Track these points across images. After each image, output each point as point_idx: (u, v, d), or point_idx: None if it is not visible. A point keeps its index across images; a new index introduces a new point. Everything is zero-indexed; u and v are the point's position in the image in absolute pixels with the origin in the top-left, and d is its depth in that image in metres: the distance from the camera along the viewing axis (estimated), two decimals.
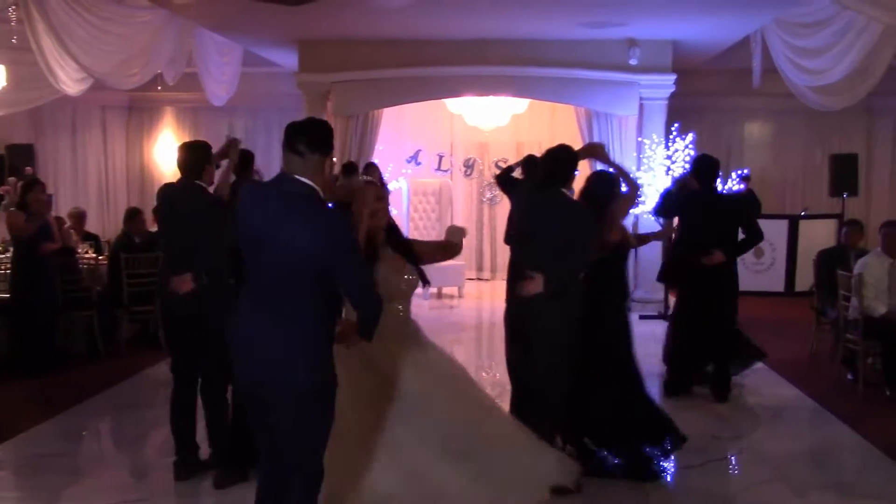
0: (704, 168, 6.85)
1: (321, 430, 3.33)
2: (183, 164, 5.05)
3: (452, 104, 12.15)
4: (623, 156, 10.87)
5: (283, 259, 3.23)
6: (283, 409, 3.26)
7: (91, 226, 10.95)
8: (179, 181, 5.11)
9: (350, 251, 3.29)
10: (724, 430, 6.16)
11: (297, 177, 3.27)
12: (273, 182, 3.36)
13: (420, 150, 13.42)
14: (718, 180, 7.01)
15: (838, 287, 7.34)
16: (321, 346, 3.28)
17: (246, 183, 4.99)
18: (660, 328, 10.16)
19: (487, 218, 13.53)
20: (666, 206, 7.36)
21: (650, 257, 10.98)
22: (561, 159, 5.08)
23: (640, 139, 10.85)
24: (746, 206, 7.23)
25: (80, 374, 7.68)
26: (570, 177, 5.09)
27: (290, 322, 3.24)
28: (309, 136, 3.35)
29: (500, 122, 12.26)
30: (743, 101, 13.37)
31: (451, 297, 12.16)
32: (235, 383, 3.97)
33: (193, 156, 5.05)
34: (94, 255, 8.90)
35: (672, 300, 10.63)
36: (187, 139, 13.83)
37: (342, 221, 3.34)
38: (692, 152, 10.45)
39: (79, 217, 9.59)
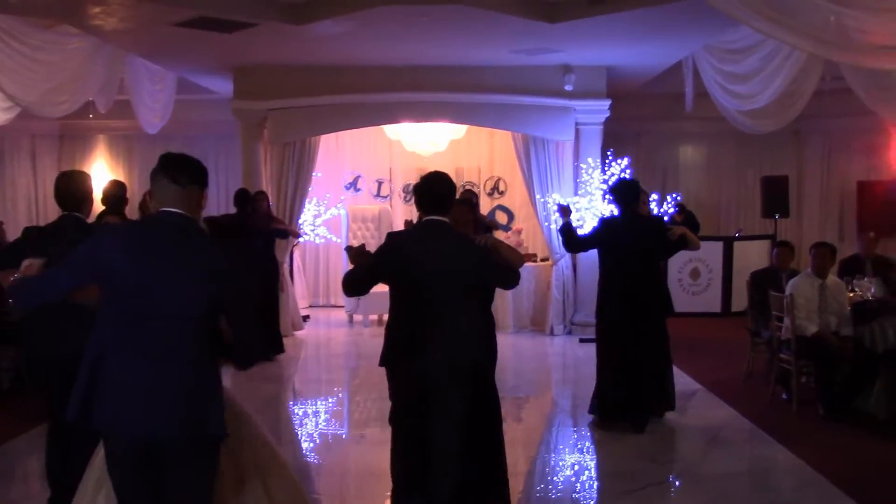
0: (620, 191, 6.77)
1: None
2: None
3: (390, 130, 12.15)
4: (561, 180, 10.98)
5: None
6: (186, 465, 3.20)
7: None
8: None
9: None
10: (661, 454, 6.20)
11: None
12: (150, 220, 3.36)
13: (359, 177, 13.38)
14: (638, 203, 6.86)
15: (771, 307, 7.47)
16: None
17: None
18: None
19: None
20: (573, 240, 6.97)
21: (589, 279, 11.06)
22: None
23: (576, 164, 10.96)
24: (663, 224, 7.09)
25: (4, 412, 7.39)
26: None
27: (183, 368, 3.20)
28: (193, 168, 3.47)
29: (438, 148, 12.27)
30: (676, 125, 13.65)
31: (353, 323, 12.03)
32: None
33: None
34: None
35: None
36: (121, 168, 13.81)
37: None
38: (627, 175, 10.59)
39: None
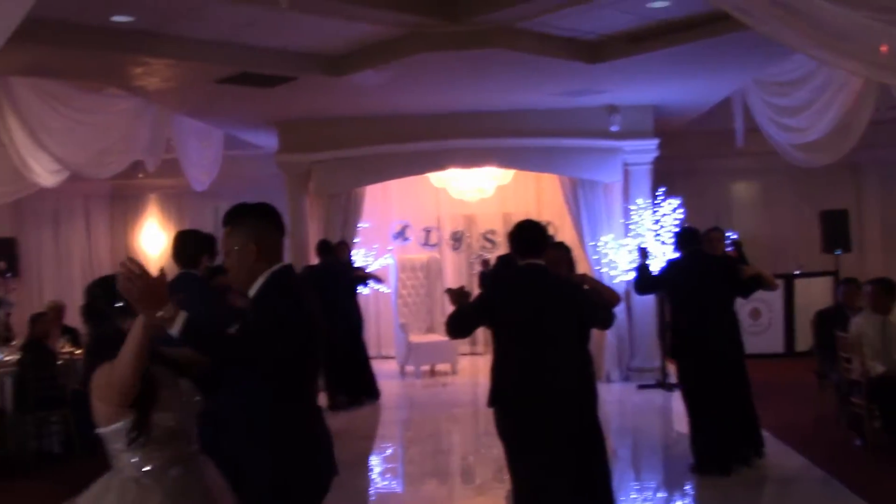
0: (680, 237, 6.75)
1: None
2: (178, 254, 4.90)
3: (436, 178, 12.08)
4: (610, 222, 10.75)
5: None
6: None
7: (76, 319, 10.68)
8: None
9: None
10: None
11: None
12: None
13: (407, 226, 13.30)
14: (696, 245, 6.64)
15: (838, 348, 7.11)
16: None
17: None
18: (658, 397, 9.92)
19: (477, 291, 13.30)
20: (646, 279, 6.96)
21: (646, 324, 10.77)
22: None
23: (626, 205, 10.72)
24: (733, 263, 6.91)
25: (53, 477, 7.34)
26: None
27: None
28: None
29: (485, 194, 12.17)
30: (728, 161, 13.34)
31: (445, 374, 11.87)
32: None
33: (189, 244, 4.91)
34: (71, 349, 8.64)
35: (672, 368, 10.40)
36: (172, 225, 13.97)
37: None
38: (680, 215, 10.31)
39: (58, 310, 9.34)
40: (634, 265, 7.61)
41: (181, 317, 2.77)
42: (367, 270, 10.99)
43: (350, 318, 9.86)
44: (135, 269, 2.72)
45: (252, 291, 3.05)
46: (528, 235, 4.61)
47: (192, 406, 3.04)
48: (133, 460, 2.92)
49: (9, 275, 11.08)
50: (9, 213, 12.80)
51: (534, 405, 4.33)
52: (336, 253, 9.88)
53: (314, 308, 3.10)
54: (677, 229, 7.11)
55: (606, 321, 4.83)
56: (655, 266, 8.76)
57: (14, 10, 3.71)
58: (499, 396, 4.50)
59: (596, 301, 4.75)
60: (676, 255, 6.88)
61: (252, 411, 2.98)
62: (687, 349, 6.46)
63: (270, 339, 2.88)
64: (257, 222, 3.08)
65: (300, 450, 3.00)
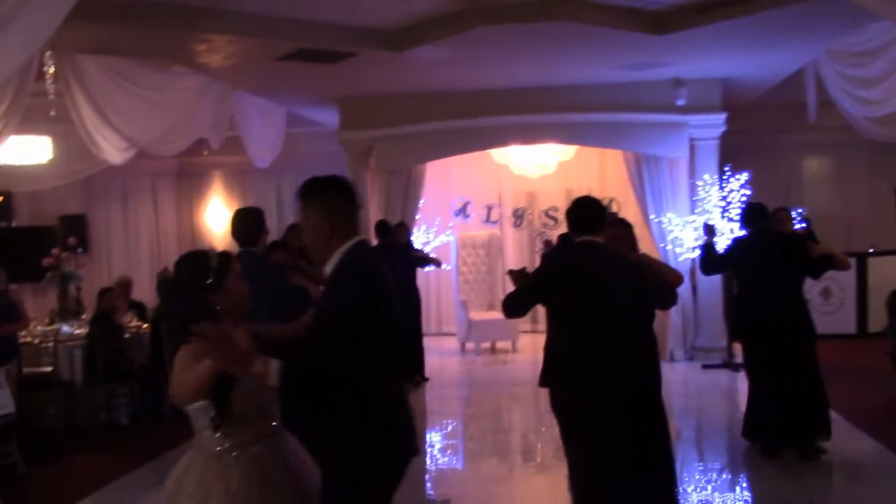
0: (748, 213, 6.51)
1: None
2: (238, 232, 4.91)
3: (498, 154, 11.97)
4: (676, 198, 10.52)
5: None
6: None
7: (144, 294, 10.93)
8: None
9: None
10: (797, 493, 5.66)
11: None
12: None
13: (468, 203, 13.24)
14: (763, 223, 6.40)
15: None
16: None
17: None
18: (724, 378, 9.71)
19: None
20: (712, 259, 6.71)
21: (711, 303, 10.54)
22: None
23: (692, 181, 10.47)
24: (802, 241, 6.58)
25: (122, 448, 7.52)
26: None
27: None
28: None
29: (547, 171, 12.02)
30: (799, 136, 12.91)
31: (506, 351, 11.82)
32: None
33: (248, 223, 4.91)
34: (138, 323, 8.81)
35: (738, 349, 10.17)
36: (236, 202, 14.15)
37: None
38: (748, 192, 10.03)
39: (125, 285, 9.53)
40: (700, 243, 7.30)
41: (274, 368, 2.74)
42: (427, 252, 10.94)
43: (409, 301, 9.78)
44: (217, 336, 2.73)
45: (328, 268, 3.01)
46: (584, 212, 4.51)
47: (273, 389, 3.04)
48: (216, 437, 2.97)
49: (79, 250, 11.33)
50: (79, 191, 13.09)
51: (590, 385, 4.23)
52: (395, 234, 9.82)
53: (390, 282, 3.04)
54: (744, 205, 6.83)
55: (668, 302, 4.69)
56: (721, 244, 8.55)
57: None
58: (554, 377, 4.41)
59: (656, 281, 4.60)
60: (743, 232, 6.66)
61: (335, 389, 2.94)
62: (753, 329, 6.29)
63: (354, 338, 2.83)
64: (331, 196, 3.04)
65: (383, 428, 2.96)
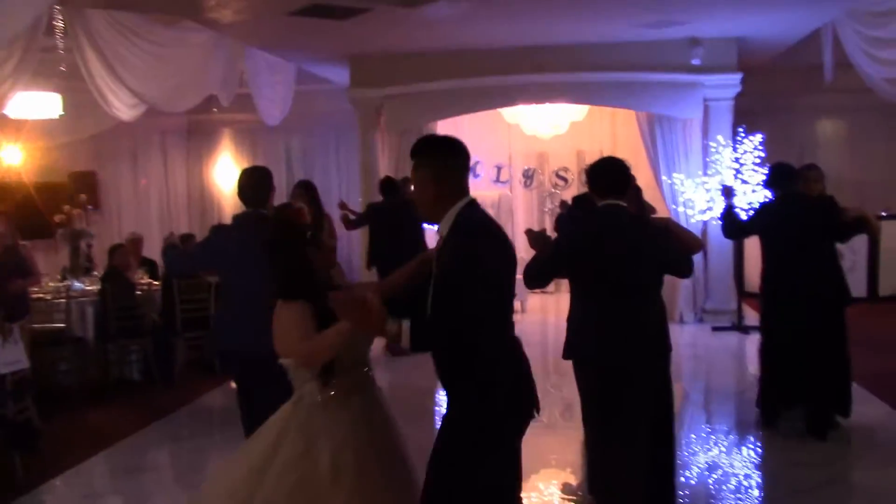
0: (775, 175, 6.13)
1: None
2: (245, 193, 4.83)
3: (509, 114, 11.87)
4: (688, 160, 10.43)
5: None
6: None
7: (154, 252, 10.93)
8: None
9: None
10: (810, 457, 5.66)
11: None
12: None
13: (478, 162, 13.16)
14: (793, 185, 6.01)
15: None
16: None
17: None
18: (733, 340, 9.71)
19: (549, 229, 13.15)
20: (735, 224, 6.42)
21: (721, 265, 10.50)
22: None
23: (705, 142, 10.38)
24: (833, 204, 6.12)
25: (134, 404, 7.58)
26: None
27: None
28: None
29: (558, 131, 11.93)
30: (814, 98, 12.76)
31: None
32: None
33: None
34: (149, 280, 8.83)
35: (749, 312, 10.15)
36: (246, 160, 14.10)
37: None
38: (762, 154, 9.94)
39: (135, 242, 9.55)
40: (720, 207, 6.99)
41: (406, 329, 2.77)
42: None
43: (414, 257, 9.63)
44: (354, 301, 2.79)
45: (442, 227, 3.02)
46: (611, 173, 4.29)
47: (370, 339, 3.23)
48: (319, 388, 3.07)
49: (90, 207, 11.33)
50: (89, 148, 13.06)
51: (619, 358, 4.12)
52: (400, 191, 9.70)
53: (505, 236, 3.07)
54: (770, 166, 6.45)
55: (686, 269, 4.46)
56: (739, 204, 8.40)
57: None
58: (579, 351, 4.27)
59: (677, 247, 4.40)
60: (768, 194, 6.34)
61: (462, 346, 2.93)
62: (778, 296, 6.02)
63: (477, 302, 2.84)
64: (439, 157, 3.05)
65: (507, 385, 2.98)
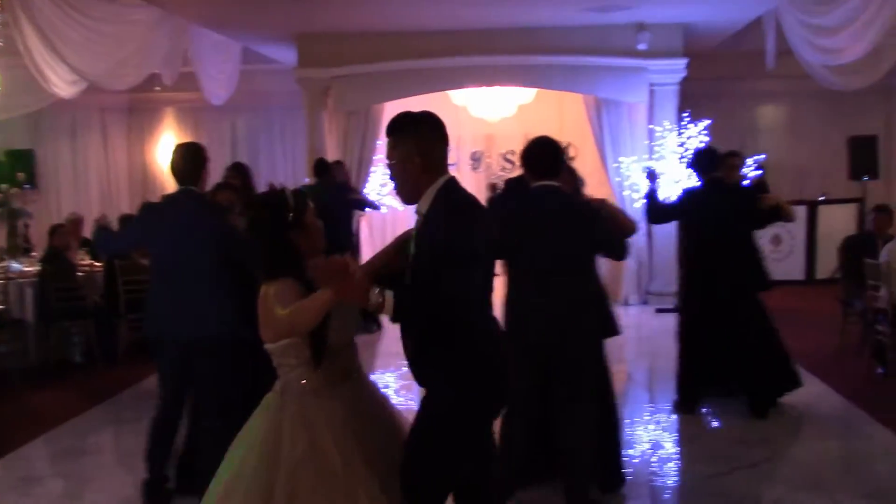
0: (699, 161, 6.24)
1: None
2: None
3: (457, 96, 11.85)
4: (634, 144, 10.56)
5: None
6: None
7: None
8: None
9: None
10: (749, 433, 5.83)
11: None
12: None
13: None
14: (717, 170, 6.16)
15: (865, 276, 7.00)
16: None
17: None
18: (676, 322, 9.87)
19: None
20: (656, 208, 6.42)
21: (666, 248, 10.67)
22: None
23: (650, 126, 10.51)
24: (752, 193, 6.45)
25: (76, 386, 7.44)
26: None
27: None
28: None
29: (506, 113, 11.95)
30: (757, 84, 13.02)
31: None
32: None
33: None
34: (90, 261, 8.66)
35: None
36: (190, 140, 13.83)
37: None
38: (706, 139, 10.12)
39: (75, 223, 9.34)
40: (644, 191, 6.93)
41: (390, 301, 2.71)
42: (365, 195, 10.77)
43: (346, 243, 9.40)
44: (336, 267, 2.70)
45: (422, 208, 2.93)
46: (543, 153, 4.27)
47: (357, 318, 3.10)
48: (307, 375, 2.94)
49: (27, 186, 11.04)
50: (27, 126, 12.71)
51: (546, 336, 4.11)
52: (332, 173, 9.57)
53: (486, 215, 3.02)
54: (695, 151, 6.59)
55: (621, 251, 4.46)
56: (665, 191, 8.50)
57: None
58: (511, 329, 4.11)
59: (611, 228, 4.40)
60: (694, 179, 6.45)
61: (442, 323, 2.87)
62: (697, 281, 6.16)
63: (461, 278, 2.78)
64: (421, 132, 2.94)
65: (486, 364, 2.93)
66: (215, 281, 4.53)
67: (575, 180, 4.97)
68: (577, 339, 4.19)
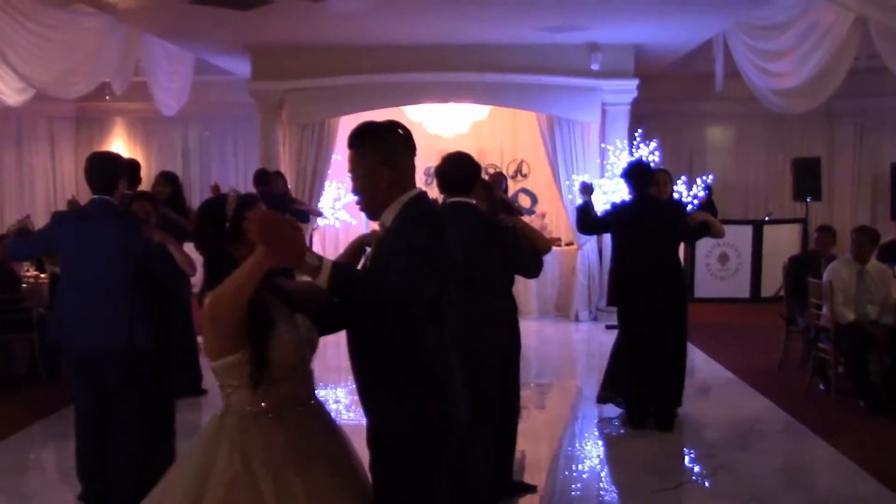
0: (630, 174, 6.37)
1: None
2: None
3: (412, 112, 11.88)
4: (586, 162, 10.70)
5: None
6: None
7: None
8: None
9: None
10: (694, 448, 5.95)
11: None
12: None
13: None
14: (650, 186, 6.32)
15: (808, 295, 7.18)
16: None
17: None
18: None
19: None
20: (588, 219, 6.62)
21: None
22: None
23: (603, 145, 10.67)
24: (680, 209, 6.67)
25: (19, 401, 7.26)
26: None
27: None
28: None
29: (460, 130, 12.01)
30: (705, 105, 13.30)
31: None
32: None
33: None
34: (36, 272, 8.48)
35: None
36: (139, 150, 13.68)
37: None
38: (656, 158, 10.30)
39: (21, 234, 9.11)
40: (578, 203, 7.05)
41: (327, 266, 2.42)
42: (311, 205, 10.78)
43: None
44: (272, 220, 2.41)
45: (387, 222, 2.74)
46: (455, 170, 4.21)
47: (309, 342, 2.77)
48: (251, 397, 2.66)
49: None
50: None
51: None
52: (271, 183, 9.56)
53: (448, 237, 2.83)
54: (630, 162, 6.77)
55: (532, 269, 4.43)
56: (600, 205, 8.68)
57: None
58: None
59: (524, 246, 4.37)
60: (626, 194, 6.59)
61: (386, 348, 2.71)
62: (630, 296, 6.28)
63: (416, 276, 2.55)
64: (387, 143, 2.73)
65: (439, 387, 2.75)
66: (122, 292, 4.50)
67: (492, 198, 4.89)
68: (491, 357, 4.15)
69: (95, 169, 4.63)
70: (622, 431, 6.38)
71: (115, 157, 4.85)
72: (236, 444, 2.63)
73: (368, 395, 2.80)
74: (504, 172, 11.81)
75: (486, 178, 6.54)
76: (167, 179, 7.29)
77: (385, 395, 2.73)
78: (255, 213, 2.47)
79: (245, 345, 2.60)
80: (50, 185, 13.93)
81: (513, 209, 8.14)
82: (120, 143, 14.06)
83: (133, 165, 6.14)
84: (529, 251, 4.43)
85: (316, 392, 2.87)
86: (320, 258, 2.43)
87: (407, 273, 2.54)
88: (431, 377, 2.73)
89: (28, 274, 8.32)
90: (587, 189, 6.72)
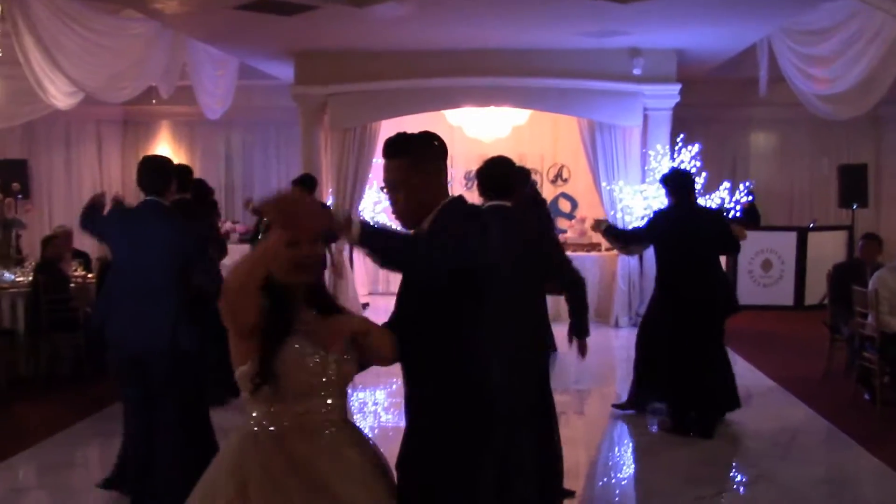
0: (673, 182, 6.27)
1: None
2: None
3: (452, 116, 11.93)
4: (627, 168, 10.64)
5: None
6: None
7: (86, 244, 10.69)
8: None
9: None
10: (736, 456, 5.88)
11: None
12: None
13: None
14: (695, 195, 6.38)
15: (853, 303, 7.07)
16: None
17: None
18: None
19: None
20: (623, 237, 6.63)
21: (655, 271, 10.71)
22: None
23: (644, 150, 10.60)
24: (724, 219, 6.62)
25: (65, 399, 7.41)
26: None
27: None
28: None
29: (500, 134, 12.02)
30: (749, 110, 13.16)
31: None
32: None
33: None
34: (83, 272, 8.66)
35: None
36: (184, 153, 13.89)
37: None
38: (698, 164, 10.22)
39: (66, 235, 9.31)
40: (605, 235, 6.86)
41: (357, 224, 2.42)
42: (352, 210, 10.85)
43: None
44: (285, 196, 2.33)
45: (425, 227, 2.69)
46: (496, 173, 4.19)
47: (335, 376, 2.52)
48: (254, 413, 2.49)
49: (20, 196, 11.04)
50: (21, 135, 12.72)
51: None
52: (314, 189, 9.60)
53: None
54: (672, 170, 6.67)
55: (571, 285, 4.33)
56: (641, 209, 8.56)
57: None
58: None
59: (562, 260, 4.33)
60: (666, 201, 6.45)
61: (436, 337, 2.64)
62: (665, 301, 6.24)
63: (453, 244, 2.50)
64: (422, 153, 2.73)
65: (481, 370, 2.68)
66: (169, 293, 4.59)
67: (528, 203, 4.85)
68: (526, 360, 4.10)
69: (147, 171, 4.75)
70: (662, 438, 6.33)
71: (166, 161, 4.98)
72: (234, 459, 2.48)
73: (412, 374, 2.73)
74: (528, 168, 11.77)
75: None
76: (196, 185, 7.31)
77: (429, 371, 2.66)
78: (269, 198, 2.33)
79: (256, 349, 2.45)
80: (97, 186, 14.15)
81: (539, 202, 8.09)
82: (165, 146, 14.29)
83: (183, 170, 6.24)
84: (563, 264, 4.40)
85: (345, 422, 2.61)
86: (346, 215, 2.45)
87: (441, 235, 2.55)
88: (473, 359, 2.66)
89: (76, 274, 8.49)
90: (599, 224, 6.56)
